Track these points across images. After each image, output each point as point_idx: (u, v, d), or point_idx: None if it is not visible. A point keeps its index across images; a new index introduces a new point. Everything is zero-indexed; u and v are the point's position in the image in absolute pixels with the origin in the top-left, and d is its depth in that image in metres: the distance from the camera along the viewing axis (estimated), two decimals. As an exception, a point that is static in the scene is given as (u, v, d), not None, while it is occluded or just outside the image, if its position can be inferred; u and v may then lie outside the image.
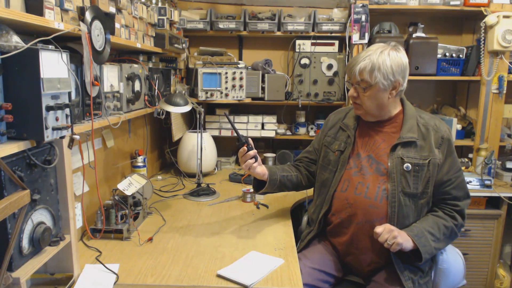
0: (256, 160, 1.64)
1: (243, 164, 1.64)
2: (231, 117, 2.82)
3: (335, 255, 1.65)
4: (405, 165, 1.52)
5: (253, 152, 1.63)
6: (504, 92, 2.50)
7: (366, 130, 1.66)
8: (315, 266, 1.56)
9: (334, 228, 1.63)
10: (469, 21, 2.82)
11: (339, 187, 1.62)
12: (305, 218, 1.84)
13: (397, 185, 1.51)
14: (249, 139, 1.65)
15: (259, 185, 1.76)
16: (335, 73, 2.83)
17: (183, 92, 2.65)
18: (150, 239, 1.60)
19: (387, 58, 1.49)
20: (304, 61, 2.84)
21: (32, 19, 1.04)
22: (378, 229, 1.44)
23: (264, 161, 2.77)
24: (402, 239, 1.42)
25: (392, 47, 1.53)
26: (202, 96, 2.63)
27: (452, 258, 1.67)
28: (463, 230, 2.35)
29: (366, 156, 1.60)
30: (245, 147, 1.62)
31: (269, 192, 1.78)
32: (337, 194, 1.62)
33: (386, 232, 1.43)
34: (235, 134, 2.60)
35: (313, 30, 2.79)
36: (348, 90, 2.70)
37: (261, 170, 1.68)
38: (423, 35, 2.62)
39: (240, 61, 2.84)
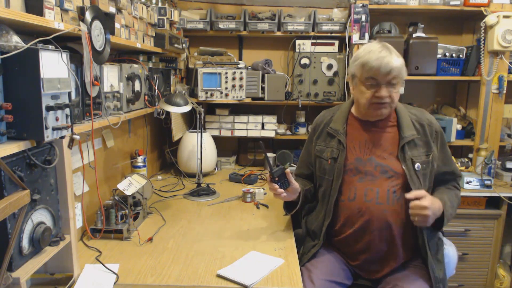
0: (284, 187, 1.57)
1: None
2: (231, 117, 2.82)
3: (344, 262, 1.60)
4: (416, 165, 1.51)
5: (277, 186, 1.55)
6: (504, 92, 2.50)
7: (359, 132, 1.61)
8: (327, 278, 1.50)
9: (346, 238, 1.57)
10: (469, 21, 2.82)
11: (344, 196, 1.55)
12: (304, 223, 1.80)
13: (412, 186, 1.49)
14: (283, 168, 1.56)
15: (289, 204, 1.72)
16: (335, 73, 2.83)
17: (183, 92, 2.65)
18: (150, 239, 1.60)
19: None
20: (304, 61, 2.83)
21: (32, 19, 1.04)
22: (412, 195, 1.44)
23: (264, 161, 2.77)
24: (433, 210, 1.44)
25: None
26: (202, 96, 2.63)
27: (451, 253, 1.71)
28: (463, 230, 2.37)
29: (368, 159, 1.55)
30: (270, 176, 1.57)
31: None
32: (345, 204, 1.55)
33: (418, 207, 1.41)
34: (239, 136, 2.56)
35: (313, 30, 2.78)
36: (348, 89, 2.72)
37: (290, 196, 1.61)
38: (423, 35, 2.62)
39: (240, 61, 2.84)
